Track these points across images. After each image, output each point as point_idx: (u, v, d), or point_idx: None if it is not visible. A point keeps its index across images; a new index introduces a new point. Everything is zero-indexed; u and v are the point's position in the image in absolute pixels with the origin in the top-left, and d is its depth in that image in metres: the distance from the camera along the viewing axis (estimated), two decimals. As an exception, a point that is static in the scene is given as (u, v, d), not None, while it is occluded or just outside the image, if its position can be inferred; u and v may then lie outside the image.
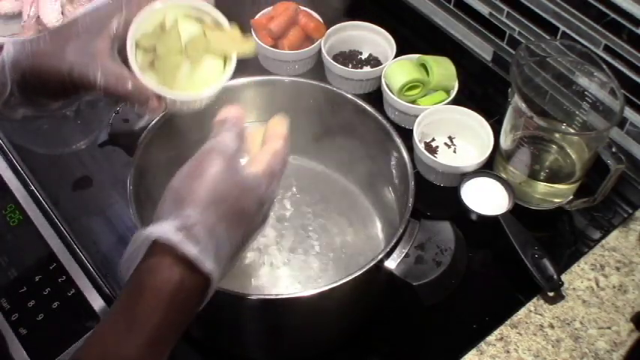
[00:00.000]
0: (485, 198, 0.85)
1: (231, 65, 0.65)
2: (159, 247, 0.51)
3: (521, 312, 0.79)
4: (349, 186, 0.86)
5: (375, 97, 0.98)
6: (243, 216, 0.55)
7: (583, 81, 0.85)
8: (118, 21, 0.62)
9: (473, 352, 0.76)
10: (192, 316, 0.54)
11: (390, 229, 0.80)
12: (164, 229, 0.51)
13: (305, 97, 0.82)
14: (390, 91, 0.95)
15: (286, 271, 0.78)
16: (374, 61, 1.03)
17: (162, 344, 0.51)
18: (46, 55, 0.61)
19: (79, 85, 0.60)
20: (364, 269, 0.65)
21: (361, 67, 1.02)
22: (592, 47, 0.88)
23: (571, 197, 0.87)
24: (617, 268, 0.83)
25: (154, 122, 0.75)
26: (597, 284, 0.82)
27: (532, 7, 0.93)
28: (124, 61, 0.62)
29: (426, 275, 0.66)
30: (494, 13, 1.00)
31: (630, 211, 0.89)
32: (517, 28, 0.97)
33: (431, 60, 0.95)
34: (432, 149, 0.92)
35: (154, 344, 0.50)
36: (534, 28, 0.95)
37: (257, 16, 1.02)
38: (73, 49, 0.60)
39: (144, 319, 0.50)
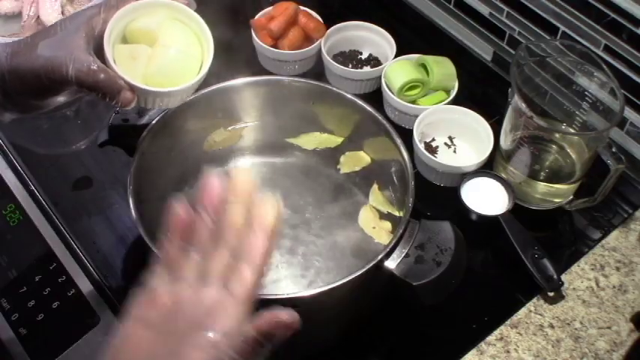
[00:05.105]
0: (485, 198, 0.85)
1: (205, 68, 0.68)
2: None
3: (521, 312, 0.79)
4: (349, 186, 0.86)
5: (375, 97, 0.98)
6: None
7: (583, 81, 0.85)
8: (96, 20, 0.64)
9: (473, 352, 0.76)
10: None
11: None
12: None
13: (305, 97, 0.82)
14: (390, 91, 0.95)
15: (286, 271, 0.78)
16: (374, 61, 1.03)
17: None
18: (24, 54, 0.62)
19: (52, 78, 0.61)
20: (364, 269, 0.65)
21: (361, 67, 1.02)
22: (592, 47, 0.88)
23: (571, 197, 0.87)
24: (617, 268, 0.83)
25: (154, 122, 0.76)
26: (597, 284, 0.82)
27: (532, 7, 0.93)
28: (101, 60, 0.63)
29: (426, 275, 0.66)
30: (494, 13, 1.00)
31: (630, 211, 0.89)
32: (517, 28, 0.97)
33: (431, 60, 0.95)
34: (432, 149, 0.92)
35: None
36: (534, 28, 0.94)
37: (257, 16, 1.02)
38: (48, 45, 0.62)
39: None
